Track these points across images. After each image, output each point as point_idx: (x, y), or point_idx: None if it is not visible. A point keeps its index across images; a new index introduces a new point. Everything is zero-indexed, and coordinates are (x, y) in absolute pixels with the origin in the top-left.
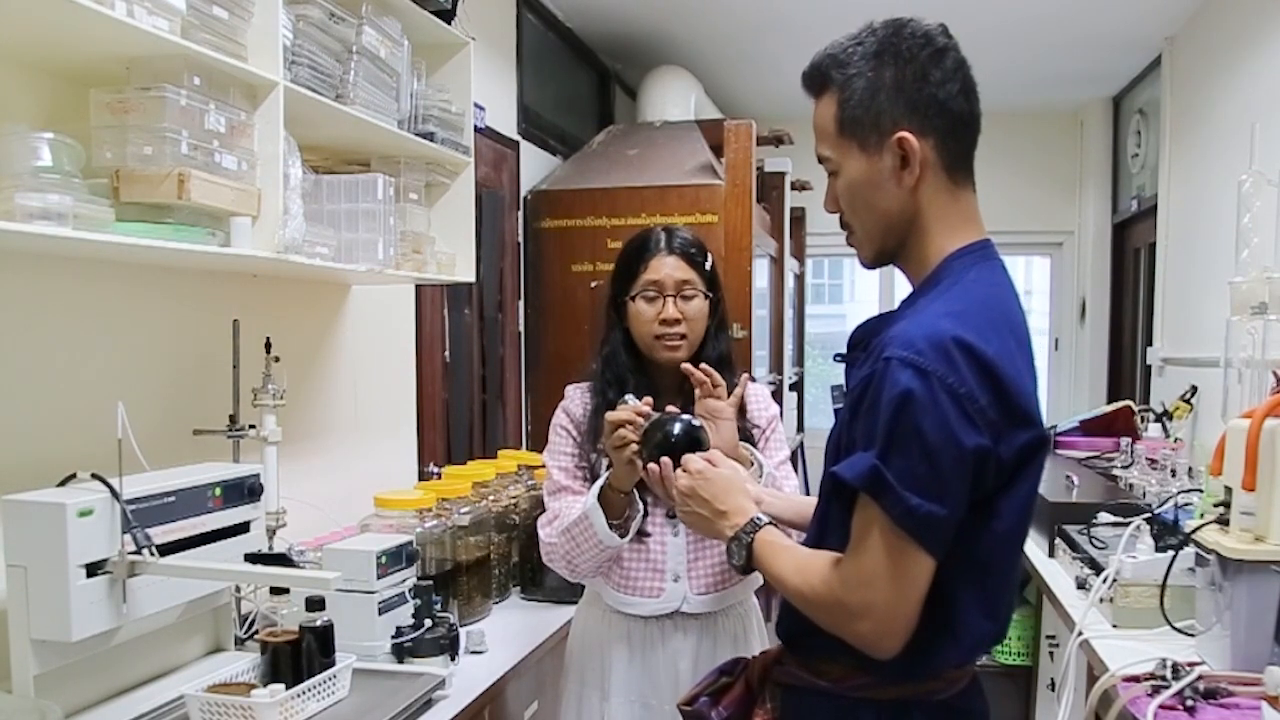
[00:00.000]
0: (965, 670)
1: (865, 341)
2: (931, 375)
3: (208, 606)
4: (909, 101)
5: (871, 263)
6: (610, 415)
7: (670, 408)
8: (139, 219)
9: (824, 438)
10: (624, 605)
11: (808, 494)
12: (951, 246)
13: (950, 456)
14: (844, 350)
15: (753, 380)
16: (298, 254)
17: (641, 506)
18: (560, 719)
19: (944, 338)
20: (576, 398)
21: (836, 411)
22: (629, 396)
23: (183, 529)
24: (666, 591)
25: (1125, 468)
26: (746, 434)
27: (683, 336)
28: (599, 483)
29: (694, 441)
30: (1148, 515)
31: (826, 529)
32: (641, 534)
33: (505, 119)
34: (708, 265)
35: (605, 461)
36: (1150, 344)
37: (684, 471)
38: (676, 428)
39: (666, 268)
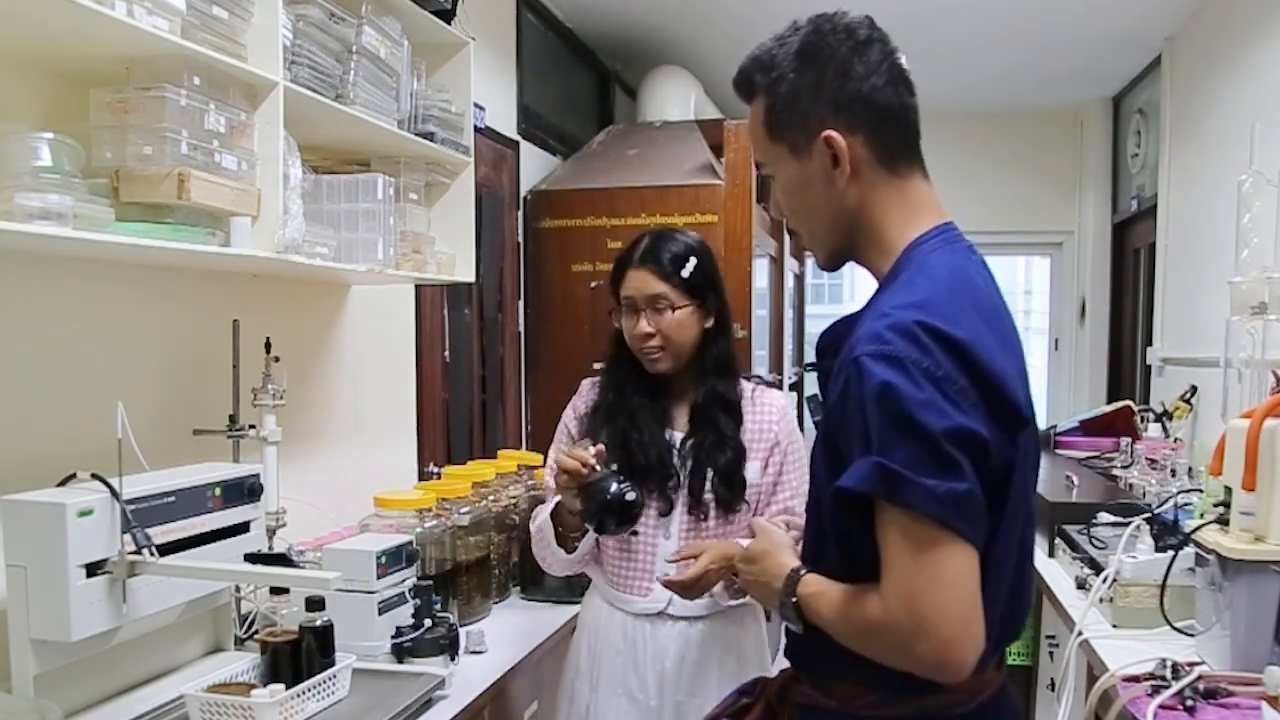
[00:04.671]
0: (985, 679)
1: (833, 347)
2: (905, 361)
3: (208, 606)
4: (832, 100)
5: (828, 264)
6: (560, 460)
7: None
8: (139, 219)
9: None
10: (614, 599)
11: None
12: (910, 235)
13: (950, 437)
14: (814, 359)
15: (770, 385)
16: (298, 254)
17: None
18: (556, 708)
19: (908, 324)
20: (586, 394)
21: (816, 424)
22: (586, 441)
23: (183, 529)
24: (654, 591)
25: (1125, 468)
26: (737, 450)
27: (661, 348)
28: (552, 501)
29: (626, 507)
30: (1148, 515)
31: (824, 548)
32: (632, 532)
33: (505, 119)
34: (685, 273)
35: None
36: (1150, 344)
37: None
38: (610, 493)
39: (636, 282)
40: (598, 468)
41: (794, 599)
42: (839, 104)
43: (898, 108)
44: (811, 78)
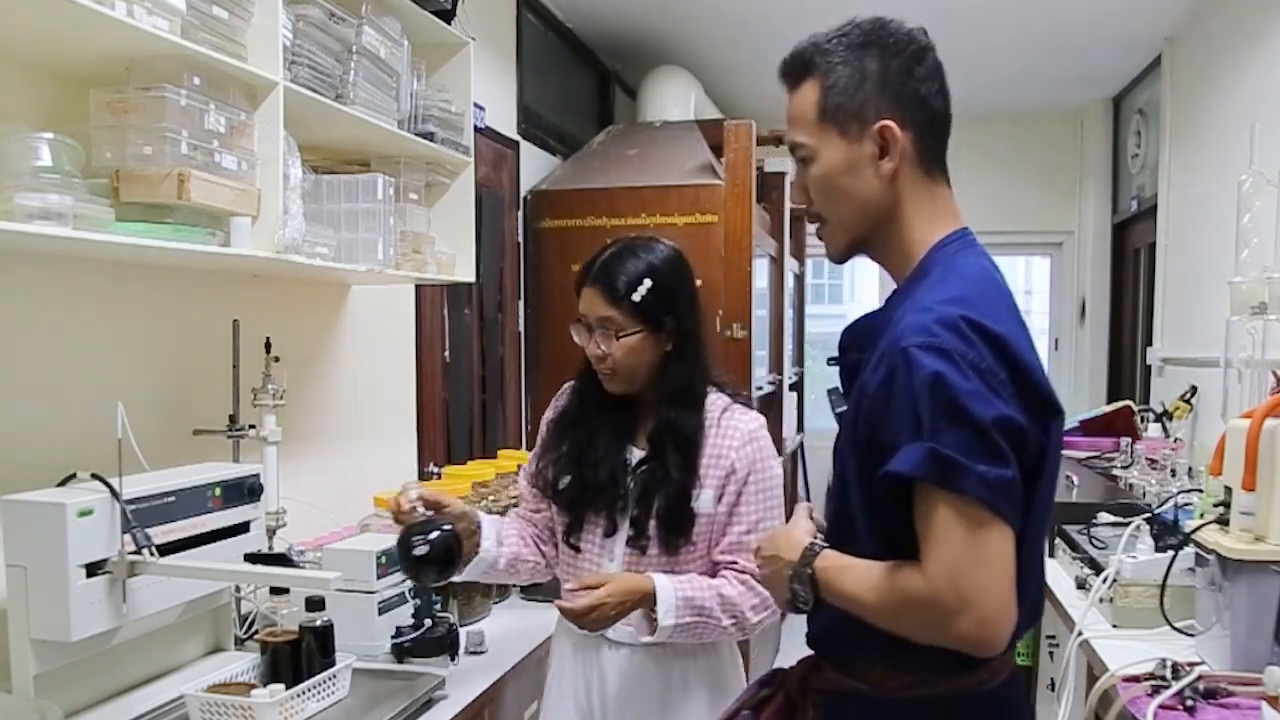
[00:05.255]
0: (1005, 659)
1: (857, 343)
2: (953, 353)
3: (208, 606)
4: (894, 93)
5: (841, 255)
6: (392, 500)
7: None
8: (139, 219)
9: (824, 437)
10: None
11: (808, 494)
12: (934, 237)
13: (997, 426)
14: (835, 353)
15: (746, 403)
16: (298, 254)
17: (481, 556)
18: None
19: (954, 318)
20: (562, 398)
21: (839, 416)
22: (415, 485)
23: (183, 529)
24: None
25: (1125, 468)
26: (682, 489)
27: (612, 371)
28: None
29: (417, 562)
30: (1148, 515)
31: (848, 534)
32: (575, 549)
33: (505, 119)
34: (636, 297)
35: (552, 471)
36: (1150, 344)
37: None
38: (429, 540)
39: (588, 301)
40: (419, 510)
41: (810, 569)
42: (899, 98)
43: (943, 115)
44: (877, 68)
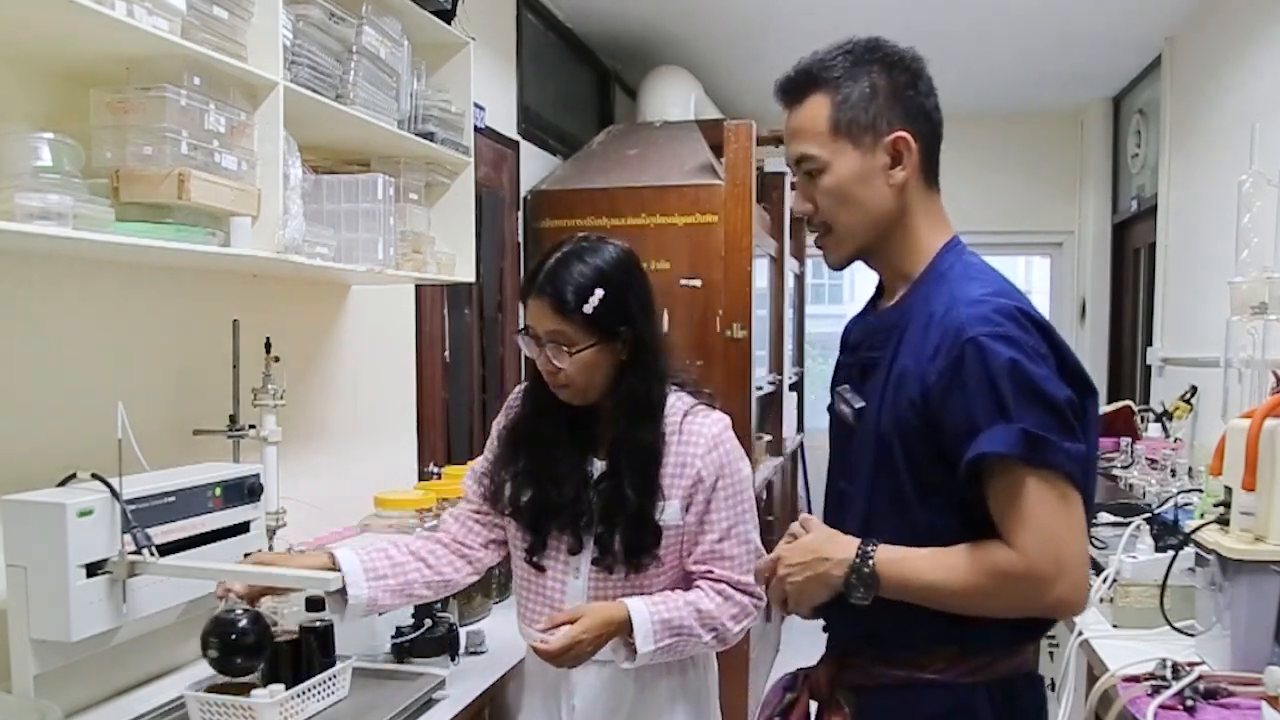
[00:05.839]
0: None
1: (869, 341)
2: (1019, 341)
3: (208, 606)
4: (904, 107)
5: (845, 262)
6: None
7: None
8: (139, 219)
9: (824, 437)
10: (523, 632)
11: (808, 493)
12: (938, 241)
13: (1069, 405)
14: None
15: (710, 405)
16: (298, 254)
17: (351, 605)
18: None
19: (1010, 309)
20: (514, 405)
21: (855, 413)
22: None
23: (183, 529)
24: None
25: (1125, 468)
26: (641, 508)
27: (567, 385)
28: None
29: (250, 646)
30: (1148, 515)
31: (889, 522)
32: (538, 568)
33: (505, 119)
34: (587, 308)
35: (510, 486)
36: (1150, 344)
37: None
38: (236, 630)
39: (535, 313)
40: (230, 598)
41: (870, 565)
42: (909, 112)
43: (939, 128)
44: (887, 83)
